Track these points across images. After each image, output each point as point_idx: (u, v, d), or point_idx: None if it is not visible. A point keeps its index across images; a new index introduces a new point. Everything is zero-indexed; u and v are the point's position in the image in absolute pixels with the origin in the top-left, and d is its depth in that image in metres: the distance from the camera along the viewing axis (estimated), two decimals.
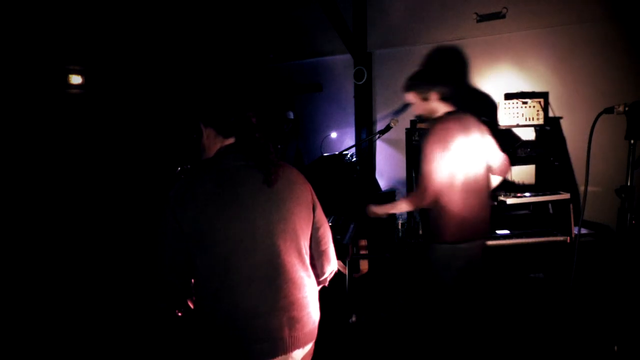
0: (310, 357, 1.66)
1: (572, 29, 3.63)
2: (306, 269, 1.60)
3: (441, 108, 2.65)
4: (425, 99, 2.65)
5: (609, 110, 1.82)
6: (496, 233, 3.25)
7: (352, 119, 5.04)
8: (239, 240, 1.44)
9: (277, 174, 1.53)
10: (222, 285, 1.43)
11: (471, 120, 2.66)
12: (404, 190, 4.35)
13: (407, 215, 3.98)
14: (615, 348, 1.84)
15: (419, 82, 2.69)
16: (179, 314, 1.57)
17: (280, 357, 1.48)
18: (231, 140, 1.56)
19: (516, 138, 3.55)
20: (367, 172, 4.77)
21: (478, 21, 4.02)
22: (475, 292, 2.76)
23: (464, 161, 2.57)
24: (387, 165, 4.87)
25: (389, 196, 4.42)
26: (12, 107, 4.41)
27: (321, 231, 1.70)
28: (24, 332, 3.35)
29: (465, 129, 2.60)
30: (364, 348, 3.22)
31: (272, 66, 5.60)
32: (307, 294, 1.58)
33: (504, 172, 2.77)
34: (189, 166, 1.83)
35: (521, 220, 3.39)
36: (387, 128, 3.40)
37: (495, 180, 2.81)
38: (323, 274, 1.75)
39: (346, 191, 4.07)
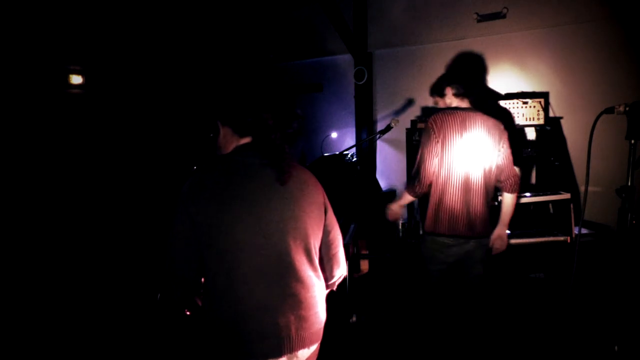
0: (315, 358, 1.66)
1: (572, 29, 3.63)
2: (315, 270, 1.60)
3: (454, 103, 2.77)
4: (442, 95, 2.81)
5: (609, 111, 1.82)
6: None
7: (352, 119, 5.04)
8: (248, 235, 1.44)
9: (290, 173, 1.54)
10: (230, 279, 1.44)
11: (479, 120, 2.66)
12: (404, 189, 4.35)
13: (407, 215, 3.99)
14: (616, 348, 1.84)
15: (437, 82, 2.85)
16: (188, 313, 1.57)
17: (285, 356, 1.48)
18: (247, 140, 1.58)
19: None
20: (367, 172, 4.77)
21: (478, 21, 4.03)
22: (466, 290, 2.77)
23: (459, 156, 2.60)
24: (388, 165, 4.87)
25: (390, 196, 4.42)
26: (13, 107, 4.42)
27: (332, 234, 1.70)
28: (24, 332, 3.35)
29: (464, 126, 2.62)
30: (364, 348, 3.22)
31: (273, 66, 5.60)
32: (315, 294, 1.58)
33: (510, 188, 2.73)
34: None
35: (521, 220, 3.39)
36: (388, 128, 3.40)
37: (507, 199, 2.77)
38: (332, 277, 1.74)
39: (346, 191, 4.07)
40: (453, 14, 4.18)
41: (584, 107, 3.58)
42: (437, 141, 2.63)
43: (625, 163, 1.78)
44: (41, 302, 3.75)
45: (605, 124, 2.09)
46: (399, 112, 4.64)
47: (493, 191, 2.74)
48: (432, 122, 2.66)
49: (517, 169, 2.80)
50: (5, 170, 4.33)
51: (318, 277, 1.61)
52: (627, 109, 1.76)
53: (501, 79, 3.99)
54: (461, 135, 2.61)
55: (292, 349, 1.49)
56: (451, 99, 2.77)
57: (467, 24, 4.10)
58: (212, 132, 1.64)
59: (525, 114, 3.42)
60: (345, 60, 4.98)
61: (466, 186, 2.62)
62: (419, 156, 2.71)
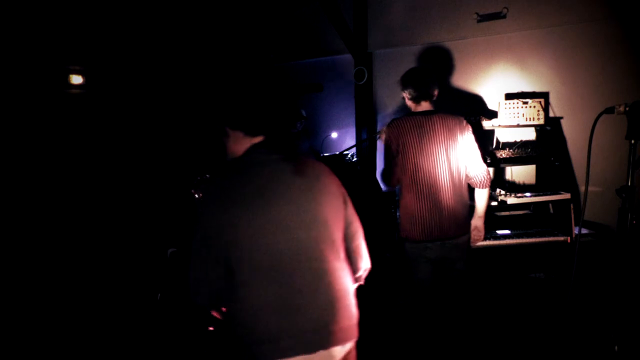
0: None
1: (572, 29, 3.63)
2: (341, 261, 1.58)
3: (414, 107, 2.76)
4: (404, 99, 2.82)
5: (609, 111, 1.82)
6: (496, 233, 3.25)
7: (352, 119, 5.04)
8: (269, 231, 1.44)
9: (306, 165, 1.56)
10: (253, 277, 1.43)
11: (437, 121, 2.65)
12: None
13: None
14: (616, 348, 1.84)
15: (400, 84, 2.83)
16: (221, 312, 1.54)
17: (318, 353, 1.45)
18: (259, 139, 1.58)
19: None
20: (367, 172, 4.77)
21: (478, 21, 4.02)
22: (452, 292, 2.77)
23: (421, 161, 2.60)
24: None
25: (390, 196, 4.42)
26: (13, 107, 4.41)
27: (353, 227, 1.70)
28: (24, 332, 3.35)
29: (421, 130, 2.62)
30: (364, 347, 3.22)
31: (273, 66, 5.60)
32: (343, 287, 1.55)
33: (479, 184, 2.71)
34: (207, 176, 1.87)
35: (522, 220, 3.39)
36: None
37: (479, 194, 2.77)
38: (357, 270, 1.73)
39: (346, 191, 4.06)
40: (453, 14, 4.18)
41: (584, 107, 3.58)
42: (395, 149, 2.66)
43: (625, 163, 1.78)
44: (41, 302, 3.75)
45: (605, 124, 2.09)
46: (399, 112, 4.64)
47: (466, 189, 2.73)
48: (388, 131, 2.70)
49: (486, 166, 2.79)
50: (5, 170, 4.33)
51: (344, 269, 1.59)
52: (627, 109, 1.76)
53: (501, 79, 3.99)
54: (419, 139, 2.61)
55: (324, 345, 1.46)
56: (410, 104, 2.77)
57: (467, 24, 4.10)
58: (222, 137, 1.63)
59: (525, 114, 3.42)
60: (345, 60, 4.98)
61: (434, 189, 2.61)
62: (385, 161, 2.77)
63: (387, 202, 4.32)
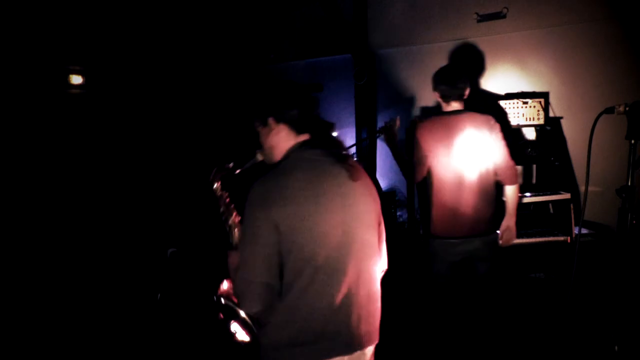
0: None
1: (572, 29, 3.63)
2: (377, 262, 1.62)
3: (444, 106, 2.78)
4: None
5: (609, 110, 1.82)
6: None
7: (352, 119, 5.04)
8: (323, 233, 1.43)
9: (354, 167, 1.56)
10: (300, 278, 1.41)
11: (466, 121, 2.67)
12: (404, 189, 4.36)
13: (407, 216, 3.98)
14: (616, 348, 1.84)
15: (431, 83, 2.83)
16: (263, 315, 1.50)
17: (357, 353, 1.47)
18: (305, 137, 1.55)
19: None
20: (367, 172, 4.76)
21: (478, 21, 4.02)
22: (473, 290, 2.78)
23: (449, 160, 2.64)
24: (388, 165, 4.86)
25: (390, 196, 4.42)
26: (13, 107, 4.41)
27: (381, 228, 1.72)
28: (24, 332, 3.35)
29: (449, 130, 2.65)
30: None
31: (273, 66, 5.60)
32: (377, 288, 1.59)
33: (508, 180, 2.75)
34: (231, 165, 1.78)
35: (521, 220, 3.38)
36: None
37: (508, 191, 2.79)
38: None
39: None
40: (453, 14, 4.18)
41: (584, 107, 3.58)
42: (423, 149, 2.71)
43: (625, 163, 1.78)
44: (41, 302, 3.75)
45: (605, 124, 2.09)
46: (399, 111, 4.64)
47: (494, 187, 2.74)
48: (417, 132, 2.75)
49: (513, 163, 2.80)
50: (5, 170, 4.33)
51: (378, 269, 1.63)
52: (627, 109, 1.76)
53: (501, 79, 3.98)
54: (447, 140, 2.64)
55: (362, 345, 1.48)
56: (441, 102, 2.79)
57: (467, 24, 4.10)
58: (260, 129, 1.59)
59: (525, 114, 3.42)
60: (345, 60, 4.98)
61: (462, 187, 2.64)
62: (414, 158, 2.80)
63: (388, 201, 4.32)
